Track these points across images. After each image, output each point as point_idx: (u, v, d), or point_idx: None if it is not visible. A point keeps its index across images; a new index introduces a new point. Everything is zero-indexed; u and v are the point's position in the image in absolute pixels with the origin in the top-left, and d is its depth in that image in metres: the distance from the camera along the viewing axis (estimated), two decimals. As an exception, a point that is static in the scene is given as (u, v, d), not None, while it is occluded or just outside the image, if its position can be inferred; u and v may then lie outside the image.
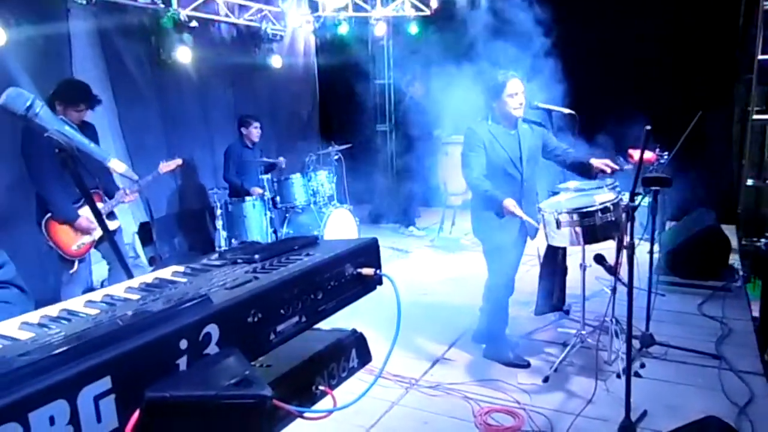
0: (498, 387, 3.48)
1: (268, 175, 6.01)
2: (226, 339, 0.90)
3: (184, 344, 0.83)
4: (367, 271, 1.25)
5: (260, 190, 5.90)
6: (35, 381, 0.66)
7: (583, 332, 3.71)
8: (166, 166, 4.56)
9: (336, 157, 6.58)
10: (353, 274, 1.23)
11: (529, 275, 4.64)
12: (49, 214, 3.91)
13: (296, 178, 5.92)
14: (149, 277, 1.22)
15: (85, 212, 4.00)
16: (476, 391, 3.46)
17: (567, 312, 4.35)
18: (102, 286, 5.09)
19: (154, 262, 6.07)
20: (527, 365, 3.73)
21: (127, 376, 0.75)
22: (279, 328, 1.03)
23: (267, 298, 1.00)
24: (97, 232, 4.09)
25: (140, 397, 0.76)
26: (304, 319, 1.09)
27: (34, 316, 1.00)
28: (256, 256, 1.20)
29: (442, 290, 5.31)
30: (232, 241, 5.86)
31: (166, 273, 1.25)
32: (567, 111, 3.93)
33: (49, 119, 1.17)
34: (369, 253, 1.31)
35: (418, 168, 7.41)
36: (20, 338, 0.88)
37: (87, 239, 4.05)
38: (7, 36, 4.45)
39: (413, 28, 8.18)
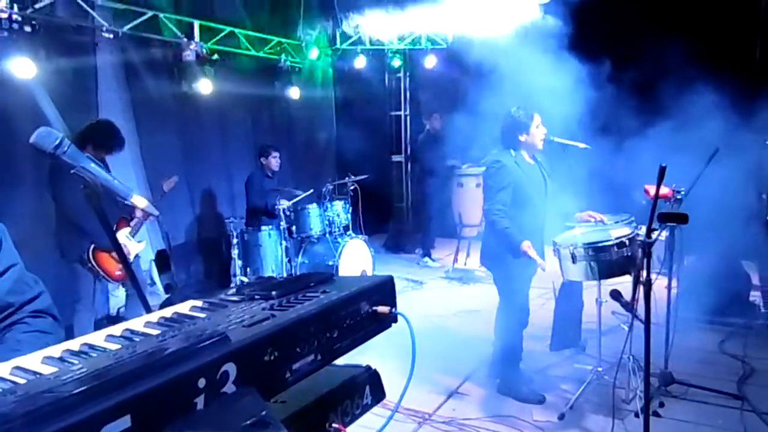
0: (512, 423, 3.43)
1: (285, 204, 6.07)
2: (243, 377, 0.91)
3: (202, 383, 0.84)
4: (383, 309, 1.25)
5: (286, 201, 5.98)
6: (59, 419, 0.67)
7: (600, 369, 3.65)
8: (167, 184, 4.83)
9: (352, 187, 6.64)
10: (369, 311, 1.24)
11: (544, 309, 4.60)
12: (92, 245, 4.13)
13: (312, 208, 5.97)
14: (168, 312, 1.24)
15: (120, 237, 4.29)
16: (490, 427, 3.41)
17: (583, 348, 4.29)
18: (118, 313, 5.17)
19: (170, 290, 6.12)
20: (542, 401, 3.67)
21: (146, 414, 0.76)
22: (295, 366, 1.03)
23: (284, 336, 1.01)
24: (131, 256, 4.38)
25: (157, 436, 0.77)
26: (319, 357, 1.10)
27: (56, 350, 1.02)
28: (273, 293, 1.22)
29: (457, 322, 5.27)
30: (248, 269, 5.89)
31: (184, 308, 1.26)
32: (582, 146, 3.95)
33: (76, 157, 1.21)
34: (384, 290, 1.31)
35: (433, 199, 7.45)
36: (43, 373, 0.90)
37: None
38: (36, 68, 4.61)
39: (429, 62, 8.30)
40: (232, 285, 5.84)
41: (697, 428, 3.26)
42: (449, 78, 7.82)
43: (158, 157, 6.18)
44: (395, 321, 1.35)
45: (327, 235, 5.99)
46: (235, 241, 5.89)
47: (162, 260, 6.21)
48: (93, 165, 1.20)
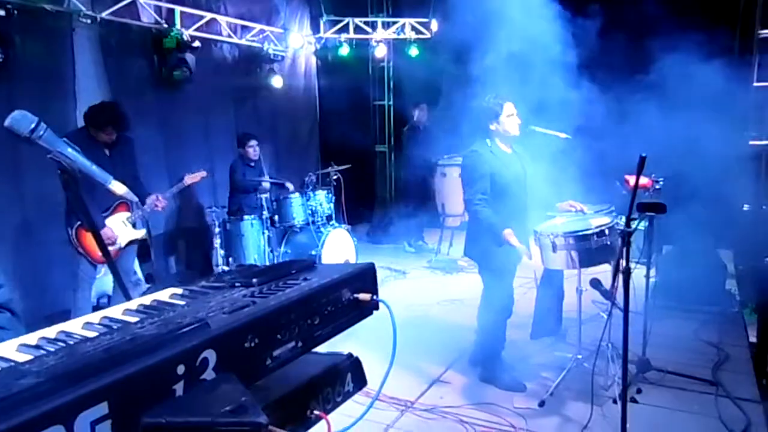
0: (494, 411, 3.47)
1: (267, 194, 6.02)
2: (223, 364, 0.90)
3: (181, 369, 0.84)
4: (364, 296, 1.26)
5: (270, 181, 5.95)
6: (33, 406, 0.66)
7: (579, 356, 3.70)
8: (191, 178, 4.87)
9: (335, 177, 6.62)
10: (350, 299, 1.24)
11: (525, 298, 4.63)
12: (78, 222, 4.14)
13: (295, 198, 5.94)
14: (147, 299, 1.23)
15: (110, 222, 4.30)
16: (472, 414, 3.44)
17: (563, 336, 4.34)
18: (108, 299, 5.15)
19: (151, 280, 6.06)
20: (523, 389, 3.71)
21: (124, 401, 0.75)
22: (275, 353, 1.03)
23: (264, 323, 1.01)
24: (123, 240, 4.38)
25: (137, 423, 0.77)
26: (300, 344, 1.10)
27: (32, 338, 1.01)
28: (254, 280, 1.21)
29: (439, 311, 5.30)
30: (230, 259, 5.85)
31: (164, 295, 1.25)
32: (564, 135, 3.98)
33: (52, 141, 1.19)
34: (366, 278, 1.32)
35: (416, 189, 7.47)
36: (18, 360, 0.89)
37: (112, 247, 4.29)
38: (11, 53, 4.50)
39: (413, 51, 8.28)
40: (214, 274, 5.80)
41: (673, 414, 3.33)
42: (433, 68, 7.80)
43: (138, 145, 6.08)
44: (377, 308, 1.35)
45: (310, 224, 5.97)
46: (217, 230, 5.84)
47: (142, 250, 6.13)
48: (70, 150, 1.18)
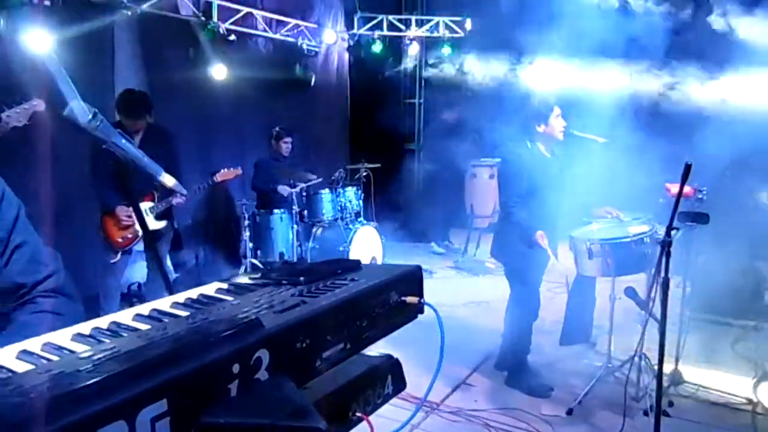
0: (520, 416, 3.43)
1: (297, 189, 6.05)
2: (276, 364, 0.89)
3: (236, 368, 0.83)
4: (412, 299, 1.24)
5: (288, 188, 5.90)
6: (100, 400, 0.66)
7: (610, 365, 3.64)
8: (223, 175, 4.76)
9: (365, 173, 6.61)
10: (397, 301, 1.22)
11: (553, 303, 4.57)
12: (102, 211, 4.22)
13: (325, 194, 5.96)
14: (194, 293, 1.23)
15: (125, 208, 4.31)
16: (497, 419, 3.41)
17: (593, 344, 4.27)
18: (139, 288, 5.22)
19: (179, 270, 6.15)
20: (549, 395, 3.66)
21: (182, 398, 0.74)
22: (325, 354, 1.02)
23: (315, 323, 0.99)
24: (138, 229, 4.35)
25: (192, 421, 0.76)
26: (349, 345, 1.08)
27: (85, 327, 1.01)
28: (301, 278, 1.20)
29: (465, 313, 5.27)
30: (258, 252, 5.89)
31: (210, 290, 1.25)
32: (601, 140, 3.90)
33: (108, 132, 1.19)
34: (412, 280, 1.29)
35: (444, 189, 7.43)
36: (76, 351, 0.89)
37: (129, 234, 4.30)
38: (54, 42, 4.59)
39: (446, 50, 8.22)
40: (243, 266, 5.85)
41: (707, 429, 3.25)
42: (465, 67, 7.75)
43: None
44: (422, 312, 1.33)
45: (338, 220, 5.98)
46: (246, 223, 5.88)
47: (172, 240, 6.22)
48: (124, 141, 1.19)
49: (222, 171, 4.78)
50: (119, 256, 4.33)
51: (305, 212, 5.95)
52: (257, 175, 6.17)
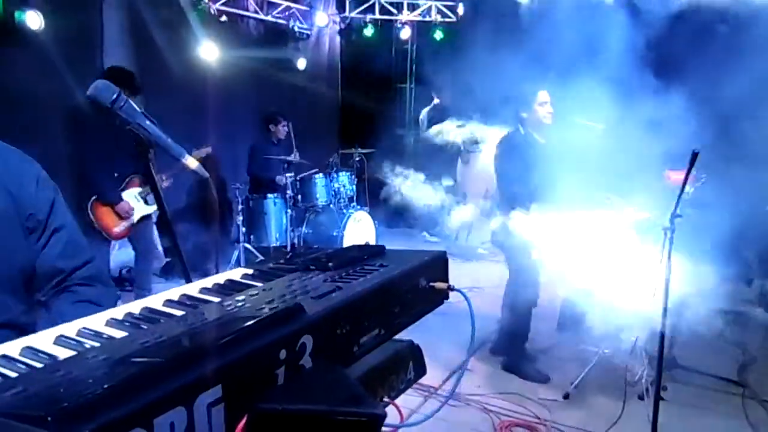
0: (518, 400, 3.47)
1: (292, 174, 6.00)
2: (319, 350, 0.88)
3: (283, 354, 0.82)
4: (440, 285, 1.24)
5: (286, 178, 5.87)
6: (160, 386, 0.64)
7: (606, 351, 3.69)
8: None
9: (358, 159, 6.58)
10: (426, 287, 1.22)
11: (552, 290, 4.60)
12: (94, 197, 4.12)
13: (319, 178, 5.93)
14: (220, 278, 1.21)
15: (127, 197, 4.28)
16: (495, 403, 3.44)
17: (589, 329, 4.31)
18: (128, 272, 5.16)
19: (169, 254, 6.08)
20: (546, 380, 3.71)
21: (235, 384, 0.73)
22: (362, 340, 1.01)
23: (353, 309, 0.99)
24: (135, 215, 4.34)
25: (244, 407, 0.75)
26: (383, 331, 1.08)
27: (118, 313, 0.99)
28: (330, 264, 1.19)
29: (459, 298, 5.27)
30: (251, 236, 5.85)
31: (236, 275, 1.23)
32: (599, 126, 3.92)
33: (131, 113, 1.16)
34: (439, 266, 1.30)
35: (437, 174, 7.40)
36: (116, 337, 0.87)
37: (127, 223, 4.28)
38: (43, 21, 4.48)
39: (438, 34, 8.17)
40: (236, 251, 5.80)
41: (699, 412, 3.32)
42: (458, 52, 7.69)
43: (161, 118, 6.03)
44: (447, 297, 1.33)
45: (332, 205, 5.95)
46: (239, 207, 5.83)
47: (163, 223, 6.14)
48: (148, 122, 1.16)
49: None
50: (116, 246, 4.41)
51: (299, 197, 5.92)
52: (253, 162, 6.11)
